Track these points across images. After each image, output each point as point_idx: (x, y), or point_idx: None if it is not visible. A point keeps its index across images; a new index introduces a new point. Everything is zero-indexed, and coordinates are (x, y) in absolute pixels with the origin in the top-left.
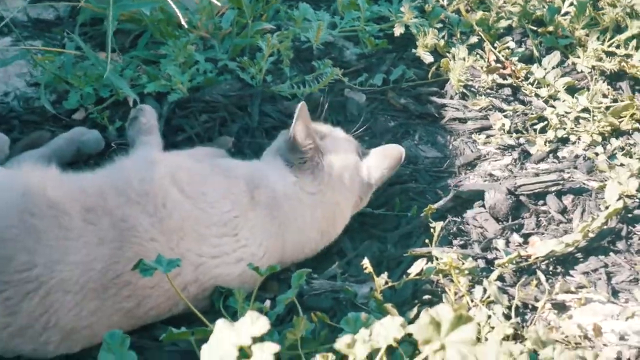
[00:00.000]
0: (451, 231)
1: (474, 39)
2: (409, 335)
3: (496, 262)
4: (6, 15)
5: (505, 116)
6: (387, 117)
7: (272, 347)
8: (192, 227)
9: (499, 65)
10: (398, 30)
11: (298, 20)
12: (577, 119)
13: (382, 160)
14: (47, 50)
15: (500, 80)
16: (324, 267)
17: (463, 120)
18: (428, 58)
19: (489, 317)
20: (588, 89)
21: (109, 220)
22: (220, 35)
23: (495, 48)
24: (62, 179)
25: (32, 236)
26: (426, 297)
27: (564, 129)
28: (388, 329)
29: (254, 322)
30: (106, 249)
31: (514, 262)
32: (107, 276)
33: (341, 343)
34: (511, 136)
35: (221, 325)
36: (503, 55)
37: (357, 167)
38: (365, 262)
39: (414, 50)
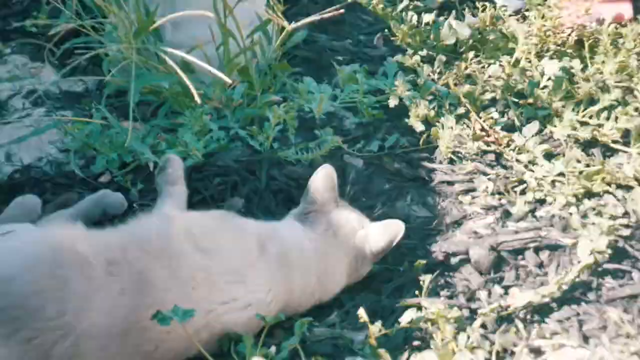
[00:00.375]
0: (439, 283)
1: (461, 110)
2: None
3: (479, 311)
4: (40, 88)
5: (489, 179)
6: (382, 180)
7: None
8: (203, 277)
9: (483, 133)
10: (393, 102)
11: (302, 93)
12: (553, 182)
13: (382, 233)
14: (77, 120)
15: (484, 147)
16: (324, 316)
17: (451, 183)
18: (419, 127)
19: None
20: (564, 155)
21: (129, 271)
22: (232, 106)
23: (480, 118)
24: (87, 235)
25: (61, 287)
26: (416, 343)
27: (542, 191)
28: None
29: None
30: (127, 299)
31: (495, 311)
32: (128, 322)
33: None
34: (494, 197)
35: None
36: (487, 125)
37: (354, 231)
38: (361, 312)
39: (407, 120)
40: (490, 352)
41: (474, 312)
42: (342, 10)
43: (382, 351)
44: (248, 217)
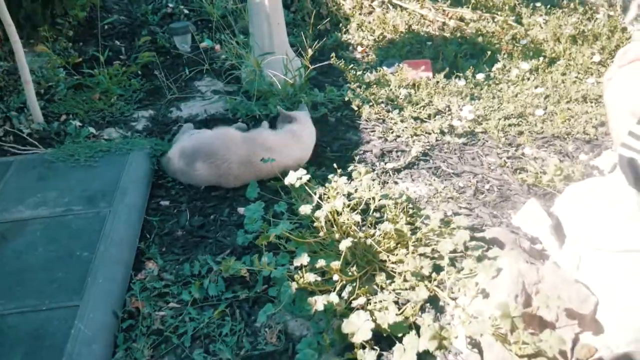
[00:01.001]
0: (362, 161)
1: (371, 103)
2: None
3: (384, 167)
4: (215, 88)
5: (380, 129)
6: (342, 127)
7: (308, 176)
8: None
9: (377, 111)
10: (347, 98)
11: (313, 95)
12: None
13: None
14: (231, 98)
15: (378, 117)
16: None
17: (366, 128)
18: (355, 108)
19: (373, 187)
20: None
21: (249, 144)
22: (287, 97)
23: (378, 107)
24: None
25: (227, 145)
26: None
27: (398, 131)
28: (343, 180)
29: (301, 171)
30: (247, 151)
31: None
32: (248, 158)
33: (327, 183)
34: (386, 135)
35: (291, 172)
36: (379, 111)
37: (292, 130)
38: (335, 166)
39: (352, 106)
40: (379, 183)
41: (373, 170)
42: (330, 62)
43: None
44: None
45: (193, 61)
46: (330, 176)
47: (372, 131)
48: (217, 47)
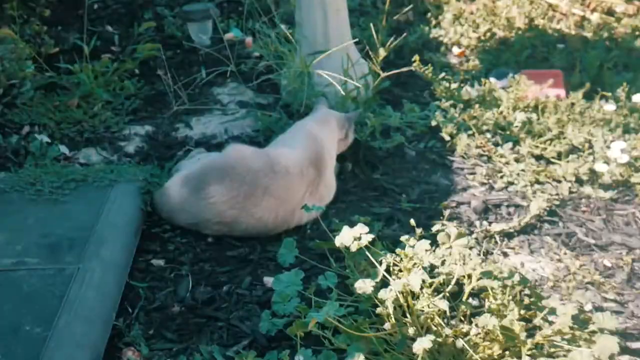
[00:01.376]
0: (453, 217)
1: (470, 132)
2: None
3: (474, 231)
4: (244, 99)
5: (483, 168)
6: (424, 164)
7: (371, 235)
8: None
9: (481, 144)
10: (433, 123)
11: (385, 114)
12: (518, 174)
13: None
14: (265, 113)
15: (481, 152)
16: (389, 226)
17: (462, 169)
18: (447, 138)
19: (469, 255)
20: (525, 161)
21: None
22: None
23: (480, 137)
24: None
25: (241, 157)
26: (438, 239)
27: (512, 177)
28: (422, 245)
29: (362, 228)
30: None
31: (483, 232)
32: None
33: (398, 250)
34: (485, 178)
35: (346, 228)
36: (484, 141)
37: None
38: (412, 222)
39: (440, 134)
40: (479, 252)
41: (471, 233)
42: (412, 68)
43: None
44: (352, 175)
45: (213, 59)
46: (404, 238)
47: (470, 173)
48: (249, 40)
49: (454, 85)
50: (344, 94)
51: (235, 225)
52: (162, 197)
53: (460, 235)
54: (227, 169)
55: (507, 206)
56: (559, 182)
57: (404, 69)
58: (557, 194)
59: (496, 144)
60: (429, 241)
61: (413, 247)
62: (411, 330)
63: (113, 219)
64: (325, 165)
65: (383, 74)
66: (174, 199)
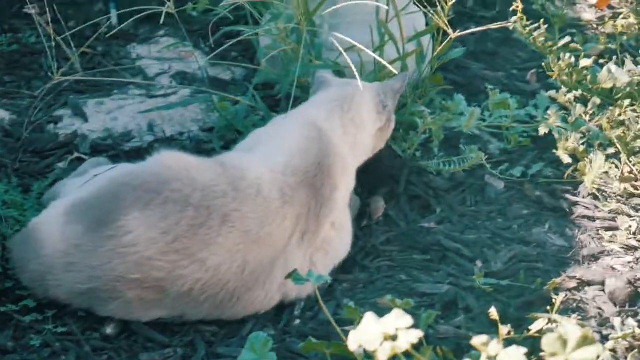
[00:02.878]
0: (570, 307)
1: (611, 150)
2: None
3: (610, 336)
4: (188, 71)
5: (632, 220)
6: (521, 205)
7: (418, 333)
8: None
9: (632, 176)
10: (542, 130)
11: (452, 108)
12: None
13: None
14: (225, 97)
15: (631, 190)
16: (449, 317)
17: (592, 219)
18: (567, 160)
19: None
20: None
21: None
22: None
23: (630, 162)
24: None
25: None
26: (542, 354)
27: None
28: (512, 356)
29: (399, 318)
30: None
31: (627, 338)
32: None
33: None
34: (635, 238)
35: (369, 317)
36: (637, 170)
37: None
38: (493, 311)
39: (554, 151)
40: None
41: (605, 338)
42: (507, 24)
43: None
44: (383, 219)
45: None
46: (477, 341)
47: (608, 228)
48: None
49: (584, 62)
50: (376, 68)
51: (169, 290)
52: (26, 243)
53: (585, 341)
54: (155, 186)
55: None
56: None
57: (493, 26)
58: None
59: None
60: (524, 349)
61: (494, 359)
62: None
63: None
64: (334, 186)
65: (453, 34)
66: (53, 244)
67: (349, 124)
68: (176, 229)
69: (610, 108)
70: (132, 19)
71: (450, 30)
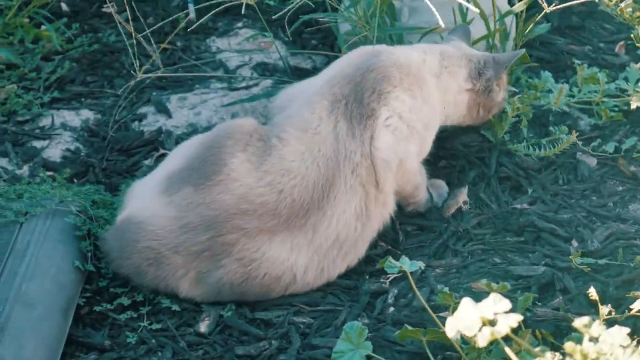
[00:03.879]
0: None
1: None
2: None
3: None
4: (269, 61)
5: None
6: (615, 182)
7: (517, 317)
8: None
9: None
10: (635, 104)
11: (539, 86)
12: None
13: None
14: None
15: None
16: (546, 300)
17: None
18: None
19: None
20: None
21: None
22: None
23: None
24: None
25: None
26: None
27: None
28: (615, 336)
29: (497, 303)
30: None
31: None
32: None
33: (568, 345)
34: None
35: (466, 302)
36: None
37: None
38: (592, 291)
39: None
40: None
41: None
42: None
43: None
44: (474, 202)
45: None
46: (578, 322)
47: None
48: None
49: None
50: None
51: (278, 208)
52: (125, 232)
53: None
54: (246, 130)
55: None
56: None
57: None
58: None
59: None
60: (627, 329)
61: (596, 340)
62: None
63: (21, 288)
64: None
65: (547, 8)
66: (159, 219)
67: (443, 70)
68: (266, 160)
69: None
70: (210, 13)
71: (544, 4)
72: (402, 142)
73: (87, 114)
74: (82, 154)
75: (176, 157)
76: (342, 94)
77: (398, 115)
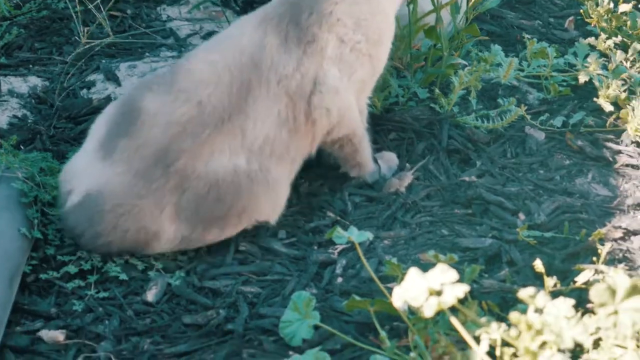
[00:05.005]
0: (617, 257)
1: None
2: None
3: None
4: (219, 30)
5: None
6: (563, 156)
7: (464, 287)
8: None
9: None
10: (582, 79)
11: (489, 59)
12: None
13: None
14: None
15: None
16: (493, 271)
17: (636, 167)
18: (608, 107)
19: None
20: None
21: None
22: (414, 67)
23: None
24: None
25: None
26: (589, 305)
27: None
28: (560, 307)
29: (444, 273)
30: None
31: None
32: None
33: (513, 315)
34: None
35: (413, 272)
36: None
37: None
38: (537, 263)
39: (595, 100)
40: None
41: None
42: None
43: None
44: (423, 174)
45: None
46: (523, 293)
47: None
48: None
49: (623, 7)
50: (410, 19)
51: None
52: (91, 208)
53: (634, 291)
54: (143, 82)
55: None
56: None
57: None
58: None
59: None
60: (572, 300)
61: (541, 311)
62: None
63: None
64: None
65: None
66: (113, 187)
67: None
68: (176, 81)
69: None
70: None
71: None
72: (347, 75)
73: (34, 80)
74: (29, 121)
75: (99, 126)
76: (275, 13)
77: (341, 40)
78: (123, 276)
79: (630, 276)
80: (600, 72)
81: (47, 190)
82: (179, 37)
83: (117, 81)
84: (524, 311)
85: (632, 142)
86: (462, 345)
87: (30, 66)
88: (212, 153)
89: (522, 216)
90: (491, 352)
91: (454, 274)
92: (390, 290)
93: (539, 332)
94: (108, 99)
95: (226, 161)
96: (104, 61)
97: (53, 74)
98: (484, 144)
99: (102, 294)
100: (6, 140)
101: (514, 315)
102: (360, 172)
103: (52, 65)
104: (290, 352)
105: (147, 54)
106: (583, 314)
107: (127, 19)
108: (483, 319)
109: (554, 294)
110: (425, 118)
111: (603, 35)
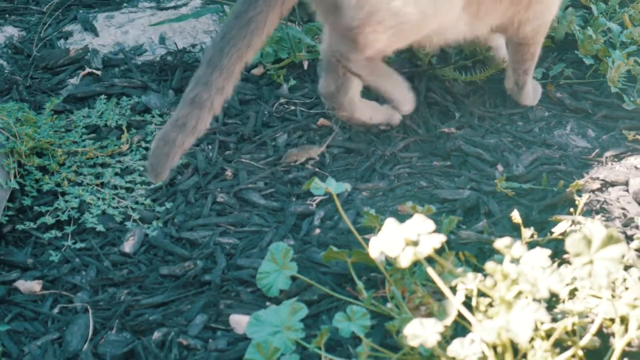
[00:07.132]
0: (594, 208)
1: (633, 48)
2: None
3: (635, 236)
4: None
5: None
6: (542, 108)
7: (440, 238)
8: None
9: None
10: (562, 31)
11: None
12: None
13: None
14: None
15: None
16: (471, 223)
17: (614, 119)
18: (588, 60)
19: (625, 279)
20: None
21: None
22: None
23: None
24: None
25: None
26: (565, 256)
27: None
28: (536, 257)
29: (421, 224)
30: None
31: None
32: None
33: (489, 265)
34: None
35: (390, 222)
36: None
37: None
38: (515, 214)
39: (575, 52)
40: None
41: (629, 238)
42: None
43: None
44: (402, 127)
45: None
46: (499, 243)
47: (630, 128)
48: None
49: None
50: None
51: None
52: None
53: (609, 241)
54: None
55: None
56: None
57: None
58: None
59: None
60: (548, 251)
61: (517, 261)
62: None
63: None
64: None
65: None
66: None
67: None
68: None
69: (631, 5)
70: None
71: None
72: None
73: (11, 30)
74: (5, 71)
75: None
76: None
77: None
78: (100, 227)
79: (607, 227)
80: (580, 24)
81: (24, 141)
82: None
83: (94, 32)
84: (500, 262)
85: (611, 95)
86: (439, 296)
87: (7, 16)
88: None
89: (500, 168)
90: (467, 303)
91: (430, 225)
92: (367, 241)
93: (515, 282)
94: (86, 50)
95: None
96: (81, 11)
97: (30, 24)
98: (463, 96)
99: (79, 245)
100: None
101: (489, 265)
102: (521, 78)
103: (29, 15)
104: (268, 303)
105: (125, 4)
106: (559, 265)
107: None
108: (460, 270)
109: (531, 245)
110: (406, 71)
111: None
